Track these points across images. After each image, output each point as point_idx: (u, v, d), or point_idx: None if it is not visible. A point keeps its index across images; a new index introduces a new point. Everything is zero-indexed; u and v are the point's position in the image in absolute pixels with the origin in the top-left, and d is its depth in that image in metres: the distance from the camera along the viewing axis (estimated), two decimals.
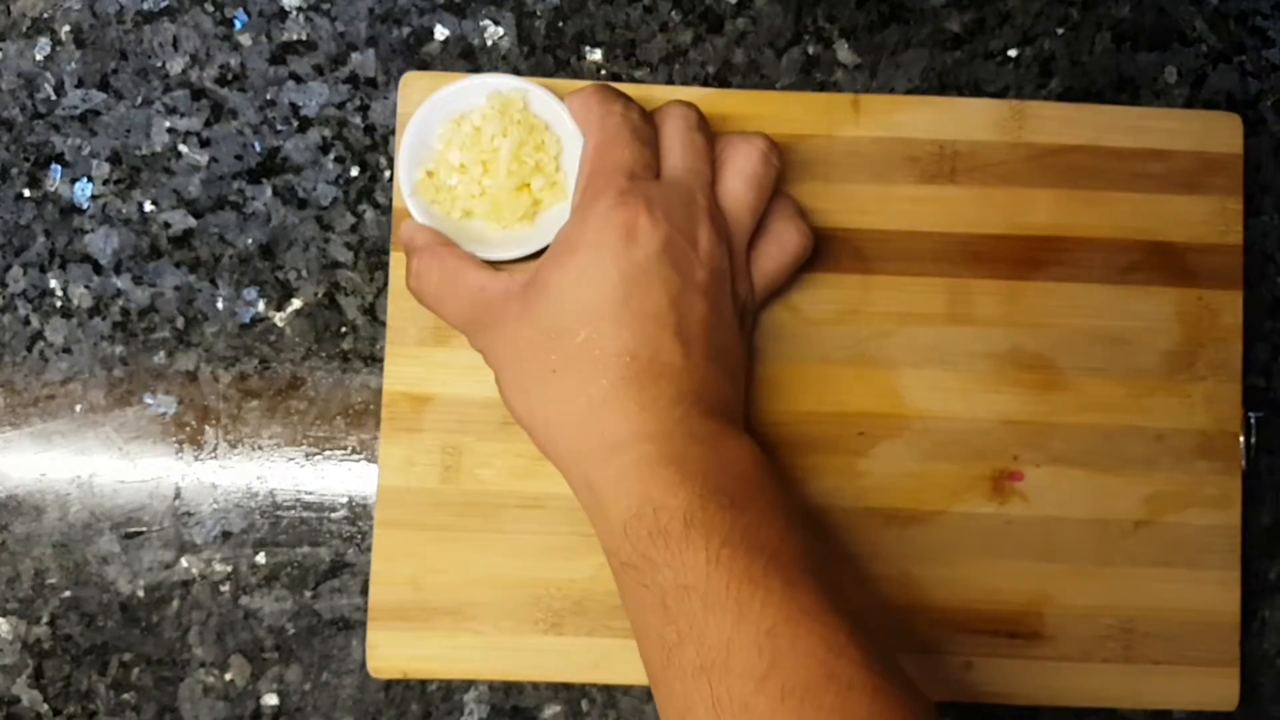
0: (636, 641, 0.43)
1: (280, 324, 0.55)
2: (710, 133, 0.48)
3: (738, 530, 0.40)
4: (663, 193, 0.45)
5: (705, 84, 0.56)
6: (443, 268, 0.48)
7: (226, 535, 0.54)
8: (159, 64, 0.56)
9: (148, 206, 0.55)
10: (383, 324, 0.55)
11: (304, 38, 0.56)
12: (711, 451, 0.43)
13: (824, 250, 0.54)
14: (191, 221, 0.55)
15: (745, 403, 0.50)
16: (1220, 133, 0.54)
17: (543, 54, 0.56)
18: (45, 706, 0.54)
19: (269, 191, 0.55)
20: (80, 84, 0.56)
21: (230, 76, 0.56)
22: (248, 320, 0.55)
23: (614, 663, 0.53)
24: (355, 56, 0.56)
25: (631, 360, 0.43)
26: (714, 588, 0.39)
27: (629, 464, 0.42)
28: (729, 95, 0.54)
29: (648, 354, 0.43)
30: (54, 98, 0.56)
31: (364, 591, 0.54)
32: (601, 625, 0.53)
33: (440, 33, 0.56)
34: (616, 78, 0.56)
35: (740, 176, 0.47)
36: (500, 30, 0.56)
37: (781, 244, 0.49)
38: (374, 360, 0.55)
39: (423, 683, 0.54)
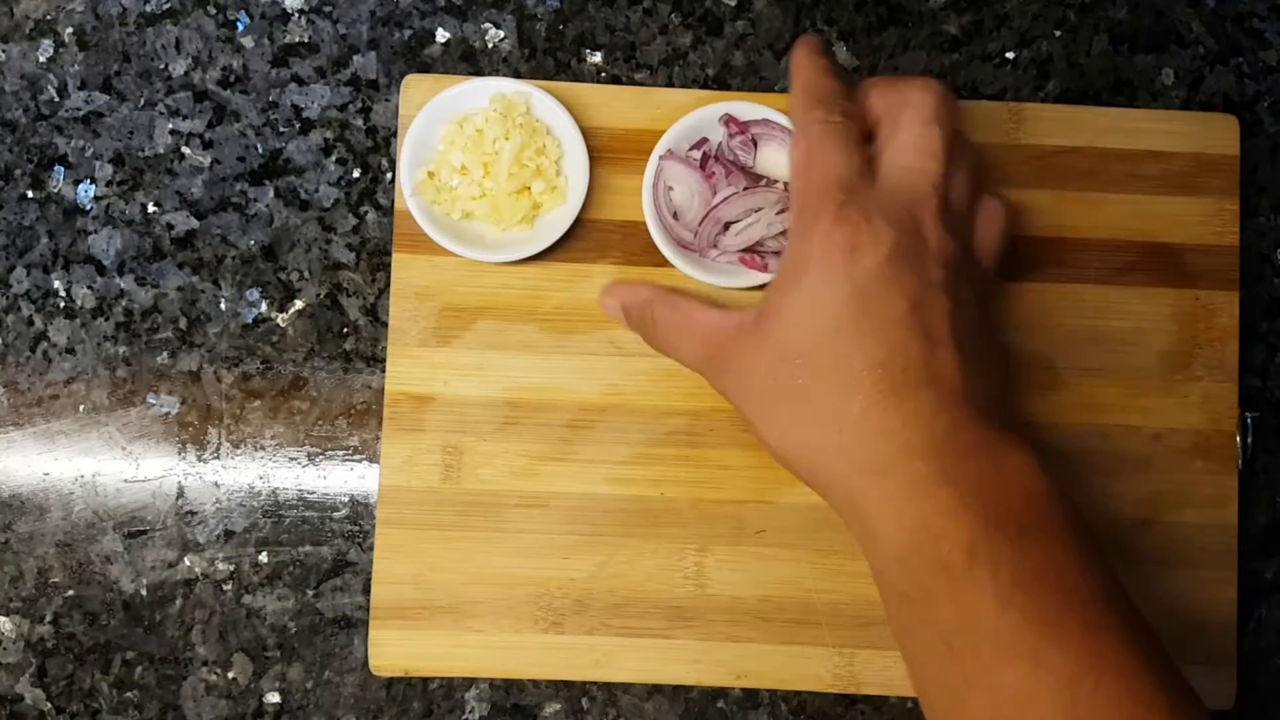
0: (911, 673, 0.40)
1: (282, 324, 0.55)
2: (948, 119, 0.44)
3: (1029, 565, 0.37)
4: (882, 200, 0.42)
5: (705, 86, 0.56)
6: (673, 314, 0.47)
7: (229, 534, 0.54)
8: (162, 66, 0.56)
9: (151, 208, 0.56)
10: (384, 324, 0.55)
11: (306, 40, 0.56)
12: (990, 465, 0.39)
13: None
14: (194, 223, 0.56)
15: (1015, 391, 0.46)
16: (1217, 134, 0.55)
17: (543, 56, 0.56)
18: (48, 705, 0.54)
19: (271, 193, 0.56)
20: (83, 86, 0.56)
21: (233, 78, 0.56)
22: (250, 321, 0.55)
23: (614, 661, 0.53)
24: (357, 59, 0.56)
25: (883, 372, 0.40)
26: (1005, 631, 0.36)
27: (898, 486, 0.39)
28: (729, 98, 0.54)
29: (899, 363, 0.40)
30: (57, 99, 0.56)
31: (366, 590, 0.54)
32: (601, 624, 0.53)
33: (441, 35, 0.56)
34: (616, 80, 0.56)
35: (959, 167, 0.44)
36: (501, 33, 0.56)
37: (989, 212, 0.46)
38: (376, 360, 0.55)
39: (424, 681, 0.54)
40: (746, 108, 0.53)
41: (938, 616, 0.38)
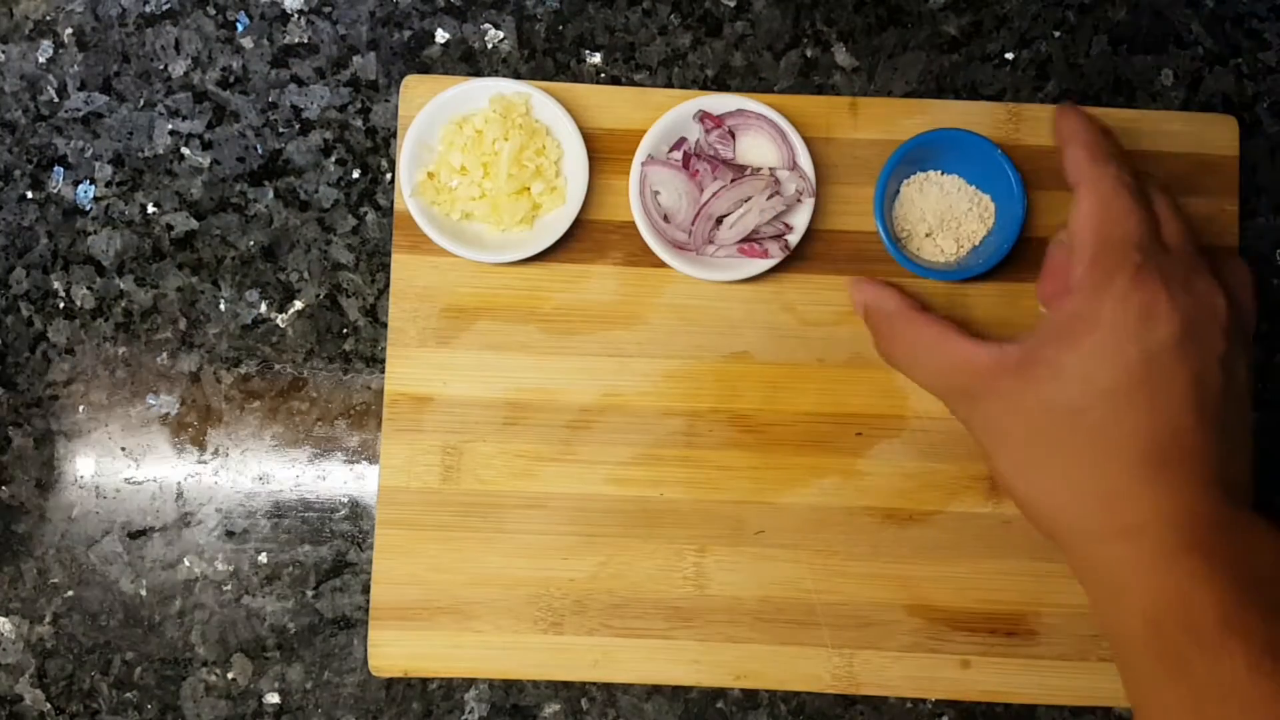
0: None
1: (282, 325, 0.55)
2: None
3: (1279, 636, 0.38)
4: (1174, 265, 0.43)
5: (704, 87, 0.56)
6: (919, 334, 0.47)
7: (229, 535, 0.55)
8: (161, 66, 0.56)
9: (150, 208, 0.56)
10: (384, 325, 0.55)
11: (305, 41, 0.56)
12: (1240, 539, 0.41)
13: (822, 252, 0.54)
14: (194, 223, 0.56)
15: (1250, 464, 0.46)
16: (1216, 135, 0.55)
17: (543, 57, 0.56)
18: (48, 705, 0.54)
19: (271, 194, 0.56)
20: (83, 86, 0.56)
21: (232, 79, 0.56)
22: (250, 321, 0.55)
23: (613, 662, 0.53)
24: (356, 59, 0.56)
25: (1150, 441, 0.41)
26: (1257, 698, 0.37)
27: (1147, 549, 0.40)
28: (728, 98, 0.54)
29: (1168, 434, 0.41)
30: (56, 100, 0.56)
31: (365, 591, 0.54)
32: (601, 624, 0.53)
33: (441, 36, 0.56)
34: (616, 81, 0.56)
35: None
36: (501, 34, 0.56)
37: (1240, 275, 0.46)
38: (375, 361, 0.55)
39: (424, 681, 0.54)
40: (719, 100, 0.53)
41: (1188, 678, 0.39)
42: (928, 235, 0.53)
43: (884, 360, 0.50)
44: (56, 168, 0.56)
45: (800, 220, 0.53)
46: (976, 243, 0.53)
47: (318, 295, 0.55)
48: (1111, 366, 0.42)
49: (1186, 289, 0.42)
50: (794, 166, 0.53)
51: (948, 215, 0.53)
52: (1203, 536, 0.40)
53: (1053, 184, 0.54)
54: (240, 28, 0.56)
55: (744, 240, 0.52)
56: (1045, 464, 0.43)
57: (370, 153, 0.56)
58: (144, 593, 0.54)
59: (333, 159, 0.56)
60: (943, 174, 0.53)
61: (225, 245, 0.56)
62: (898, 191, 0.54)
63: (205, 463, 0.55)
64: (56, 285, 0.55)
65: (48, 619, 0.54)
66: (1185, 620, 0.39)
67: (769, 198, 0.52)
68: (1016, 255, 0.54)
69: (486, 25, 0.56)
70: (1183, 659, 0.39)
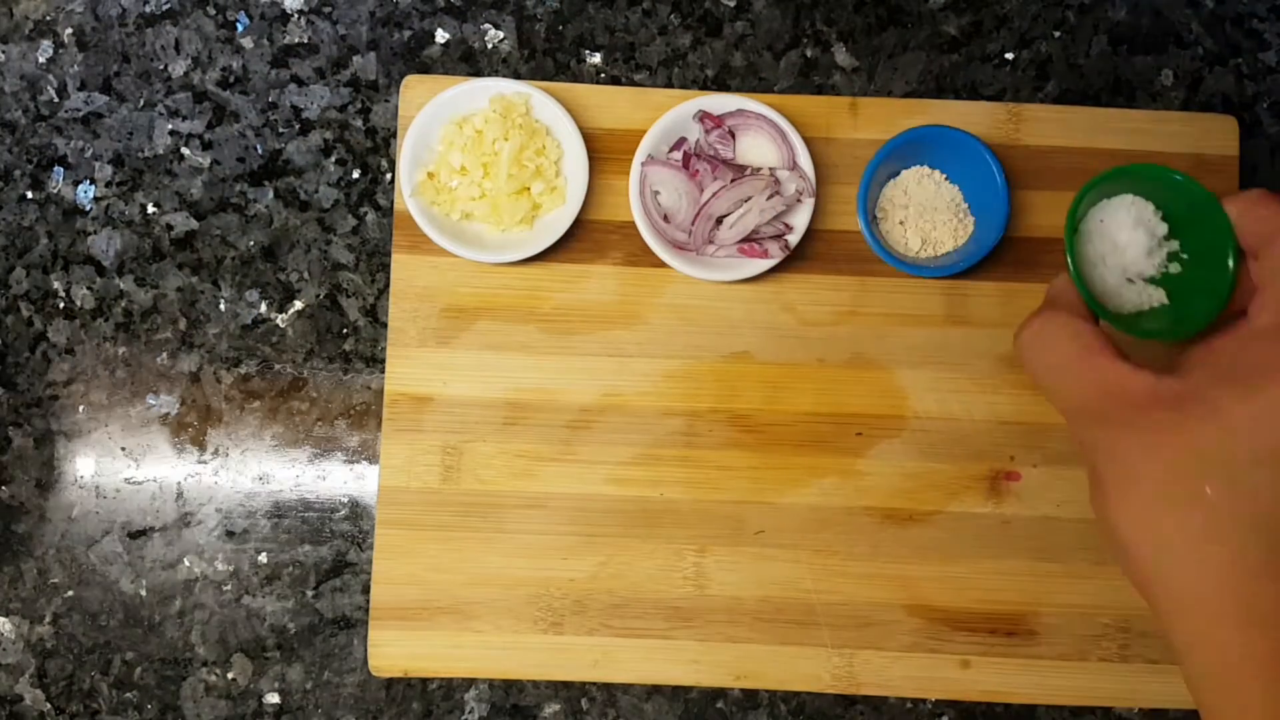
0: None
1: (282, 325, 0.55)
2: None
3: None
4: None
5: (704, 87, 0.56)
6: (1077, 341, 0.41)
7: (229, 535, 0.55)
8: (161, 67, 0.56)
9: (150, 208, 0.56)
10: (384, 325, 0.55)
11: (305, 41, 0.56)
12: None
13: (822, 252, 0.54)
14: (194, 223, 0.56)
15: None
16: (1216, 135, 0.55)
17: (543, 57, 0.56)
18: (48, 705, 0.54)
19: (271, 194, 0.56)
20: (83, 86, 0.56)
21: (232, 79, 0.56)
22: (250, 321, 0.55)
23: (613, 662, 0.53)
24: (356, 59, 0.56)
25: None
26: None
27: (1273, 648, 0.36)
28: (728, 98, 0.54)
29: None
30: (56, 100, 0.56)
31: (365, 591, 0.54)
32: (601, 624, 0.53)
33: (441, 36, 0.56)
34: (616, 81, 0.56)
35: None
36: (501, 34, 0.56)
37: None
38: (375, 361, 0.55)
39: (424, 681, 0.54)
40: (719, 100, 0.53)
41: None
42: (900, 223, 0.53)
43: (1020, 359, 0.44)
44: (56, 168, 0.56)
45: (800, 220, 0.53)
46: (959, 239, 0.53)
47: (318, 295, 0.55)
48: None
49: None
50: (794, 166, 0.53)
51: (928, 210, 0.53)
52: None
53: (1050, 184, 0.54)
54: (240, 28, 0.56)
55: (744, 240, 0.52)
56: (1174, 519, 0.38)
57: (370, 153, 0.56)
58: (144, 593, 0.54)
59: (333, 159, 0.56)
60: (929, 169, 0.53)
61: (225, 245, 0.56)
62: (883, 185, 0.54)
63: (205, 463, 0.55)
64: (56, 285, 0.55)
65: (48, 619, 0.54)
66: None
67: (769, 198, 0.52)
68: (1013, 255, 0.54)
69: (486, 25, 0.56)
70: None
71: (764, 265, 0.52)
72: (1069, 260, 0.43)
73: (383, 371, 0.54)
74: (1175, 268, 0.45)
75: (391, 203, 0.55)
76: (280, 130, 0.56)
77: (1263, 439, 0.37)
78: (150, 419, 0.55)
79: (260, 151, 0.56)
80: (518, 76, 0.56)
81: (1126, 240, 0.46)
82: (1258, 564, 0.37)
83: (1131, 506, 0.39)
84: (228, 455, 0.55)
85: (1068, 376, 0.42)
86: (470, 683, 0.54)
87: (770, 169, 0.53)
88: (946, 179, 0.54)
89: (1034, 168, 0.54)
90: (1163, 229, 0.45)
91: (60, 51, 0.56)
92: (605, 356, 0.54)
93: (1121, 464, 0.39)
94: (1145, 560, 0.39)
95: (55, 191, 0.56)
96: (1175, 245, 0.45)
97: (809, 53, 0.56)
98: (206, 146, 0.56)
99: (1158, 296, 0.45)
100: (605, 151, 0.54)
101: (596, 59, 0.56)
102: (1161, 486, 0.38)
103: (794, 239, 0.52)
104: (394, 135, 0.56)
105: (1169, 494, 0.38)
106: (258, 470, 0.55)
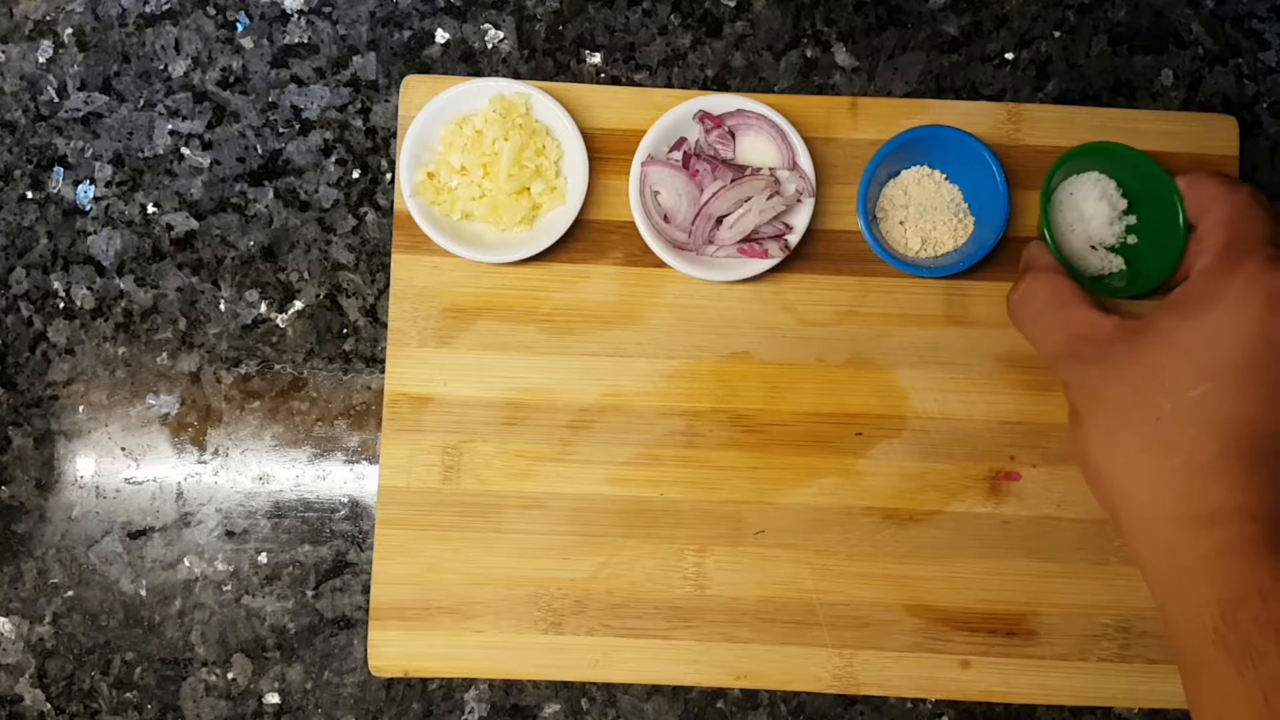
0: (1200, 715, 0.41)
1: (282, 325, 0.55)
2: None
3: None
4: None
5: (704, 87, 0.56)
6: (1054, 292, 0.47)
7: (229, 535, 0.55)
8: (161, 66, 0.56)
9: (150, 208, 0.56)
10: (384, 325, 0.55)
11: (305, 41, 0.56)
12: None
13: (822, 252, 0.54)
14: (194, 223, 0.56)
15: None
16: (1216, 135, 0.55)
17: (543, 57, 0.56)
18: (48, 705, 0.54)
19: (271, 194, 0.56)
20: (83, 86, 0.56)
21: (232, 79, 0.56)
22: (250, 321, 0.55)
23: (613, 662, 0.53)
24: (356, 59, 0.56)
25: (1249, 429, 0.41)
26: None
27: (1228, 540, 0.40)
28: (728, 98, 0.54)
29: (1266, 426, 0.41)
30: (56, 100, 0.56)
31: (365, 591, 0.54)
32: (601, 624, 0.53)
33: (441, 36, 0.56)
34: (616, 81, 0.56)
35: None
36: (501, 34, 0.56)
37: None
38: (375, 361, 0.55)
39: (424, 681, 0.54)
40: (719, 100, 0.53)
41: (1259, 670, 0.38)
42: (900, 223, 0.53)
43: (1010, 316, 0.50)
44: (56, 168, 0.56)
45: (800, 220, 0.53)
46: (959, 239, 0.53)
47: (318, 295, 0.55)
48: (1228, 345, 0.41)
49: None
50: (794, 166, 0.53)
51: (928, 210, 0.53)
52: None
53: None
54: (240, 28, 0.56)
55: (744, 240, 0.52)
56: (1134, 435, 0.42)
57: (370, 153, 0.56)
58: (144, 593, 0.54)
59: (333, 159, 0.56)
60: (929, 169, 0.54)
61: (225, 245, 0.56)
62: (884, 185, 0.54)
63: (205, 463, 0.55)
64: (56, 285, 0.55)
65: (48, 619, 0.54)
66: (1261, 614, 0.39)
67: (769, 198, 0.52)
68: (1013, 255, 0.54)
69: (486, 25, 0.56)
70: (1255, 651, 0.38)
71: (764, 265, 0.52)
72: (1044, 226, 0.51)
73: (383, 371, 0.54)
74: (1133, 239, 0.52)
75: (391, 203, 0.55)
76: (280, 130, 0.56)
77: (1204, 356, 0.41)
78: (150, 419, 0.55)
79: (260, 151, 0.56)
80: (518, 76, 0.56)
81: (1092, 211, 0.52)
82: (1205, 468, 0.41)
83: (1099, 430, 0.44)
84: (228, 455, 0.55)
85: (1048, 322, 0.47)
86: (470, 683, 0.54)
87: (770, 169, 0.53)
88: (946, 179, 0.54)
89: (1034, 168, 0.54)
90: (1123, 204, 0.52)
91: (60, 51, 0.56)
92: (605, 356, 0.54)
93: (1091, 394, 0.44)
94: (1111, 478, 0.43)
95: (55, 191, 0.56)
96: (1134, 219, 0.52)
97: (809, 53, 0.56)
98: (206, 146, 0.56)
99: (1117, 263, 0.52)
100: (605, 151, 0.54)
101: (596, 59, 0.56)
102: (1123, 409, 0.43)
103: (794, 239, 0.52)
104: (394, 135, 0.56)
105: (1129, 414, 0.42)
106: (258, 470, 0.55)
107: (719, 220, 0.53)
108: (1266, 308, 0.41)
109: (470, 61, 0.56)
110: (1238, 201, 0.45)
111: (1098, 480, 0.44)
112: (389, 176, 0.56)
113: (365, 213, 0.56)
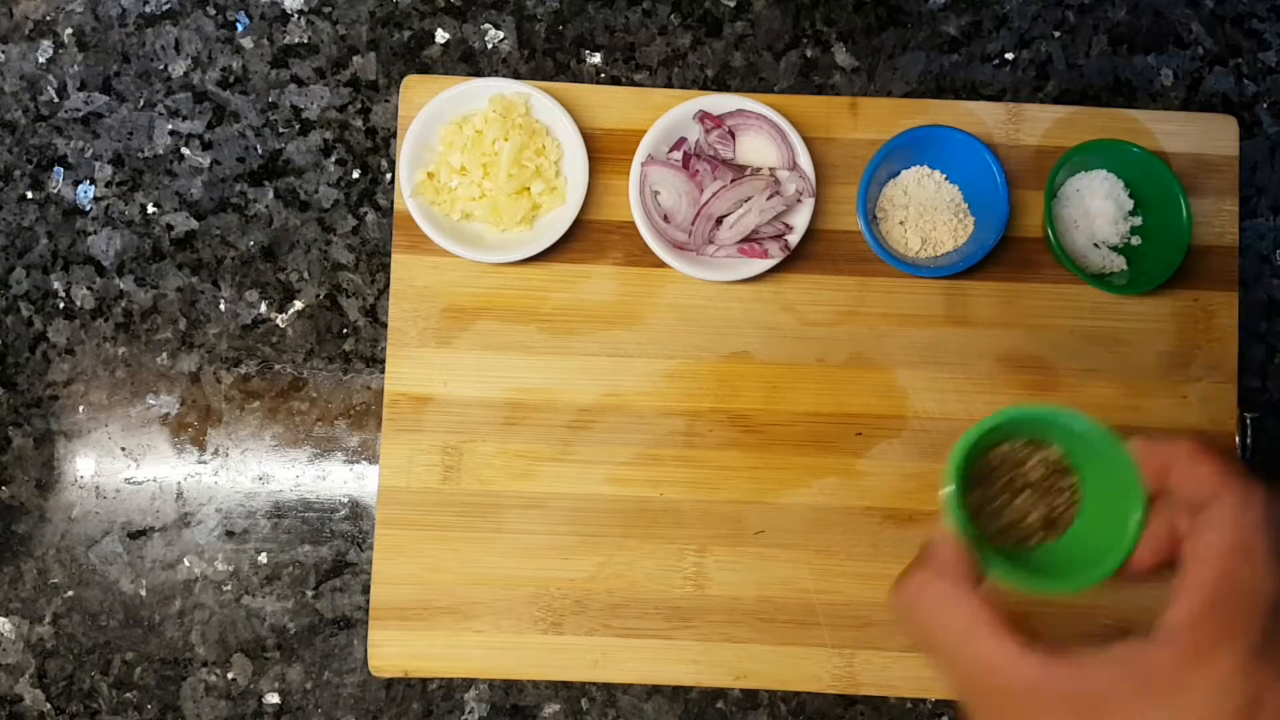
0: None
1: (282, 325, 0.55)
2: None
3: None
4: None
5: (704, 87, 0.56)
6: (952, 614, 0.36)
7: (229, 535, 0.55)
8: (161, 67, 0.56)
9: (150, 208, 0.56)
10: (384, 325, 0.55)
11: (305, 41, 0.56)
12: None
13: (822, 252, 0.54)
14: (194, 223, 0.56)
15: None
16: (1216, 135, 0.55)
17: (543, 57, 0.56)
18: (48, 705, 0.54)
19: (271, 194, 0.56)
20: (83, 86, 0.56)
21: (232, 79, 0.56)
22: (250, 321, 0.55)
23: (613, 662, 0.53)
24: (356, 60, 0.56)
25: None
26: None
27: None
28: (728, 98, 0.54)
29: None
30: (56, 100, 0.56)
31: (365, 591, 0.54)
32: (601, 624, 0.53)
33: (441, 36, 0.56)
34: (616, 81, 0.56)
35: None
36: (500, 34, 0.56)
37: None
38: (375, 361, 0.55)
39: (424, 681, 0.54)
40: (719, 101, 0.53)
41: None
42: (900, 223, 0.53)
43: (898, 625, 0.38)
44: (56, 168, 0.56)
45: (800, 220, 0.53)
46: (959, 239, 0.53)
47: (318, 295, 0.55)
48: None
49: None
50: (794, 166, 0.53)
51: (928, 210, 0.53)
52: None
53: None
54: (240, 28, 0.56)
55: (744, 240, 0.52)
56: None
57: (370, 153, 0.56)
58: (144, 593, 0.54)
59: (333, 159, 0.56)
60: (929, 169, 0.54)
61: (225, 245, 0.56)
62: (883, 185, 0.54)
63: (205, 463, 0.55)
64: (56, 285, 0.55)
65: (48, 619, 0.54)
66: None
67: (769, 198, 0.52)
68: (1013, 255, 0.54)
69: (486, 25, 0.56)
70: None
71: (764, 265, 0.52)
72: (1048, 221, 0.51)
73: (383, 371, 0.54)
74: (1137, 240, 0.52)
75: (391, 203, 0.55)
76: (280, 130, 0.56)
77: None
78: (150, 419, 0.55)
79: (260, 151, 0.56)
80: (518, 76, 0.56)
81: (1098, 209, 0.52)
82: None
83: None
84: (228, 455, 0.55)
85: (945, 656, 0.36)
86: (470, 683, 0.54)
87: (770, 169, 0.53)
88: (946, 179, 0.54)
89: (1034, 168, 0.54)
90: (1130, 204, 0.52)
91: (60, 51, 0.56)
92: (605, 356, 0.54)
93: None
94: None
95: (55, 191, 0.56)
96: (1139, 220, 0.52)
97: (809, 53, 0.56)
98: (206, 146, 0.56)
99: (1119, 263, 0.52)
100: (605, 151, 0.54)
101: (596, 59, 0.56)
102: None
103: (794, 239, 0.52)
104: (394, 135, 0.56)
105: None
106: (258, 470, 0.55)
107: (719, 220, 0.53)
108: (1245, 710, 0.33)
109: (470, 61, 0.56)
110: (1247, 526, 0.34)
111: None
112: (389, 176, 0.56)
113: (365, 213, 0.56)
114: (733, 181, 0.52)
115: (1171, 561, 0.37)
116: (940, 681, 0.39)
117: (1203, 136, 0.55)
